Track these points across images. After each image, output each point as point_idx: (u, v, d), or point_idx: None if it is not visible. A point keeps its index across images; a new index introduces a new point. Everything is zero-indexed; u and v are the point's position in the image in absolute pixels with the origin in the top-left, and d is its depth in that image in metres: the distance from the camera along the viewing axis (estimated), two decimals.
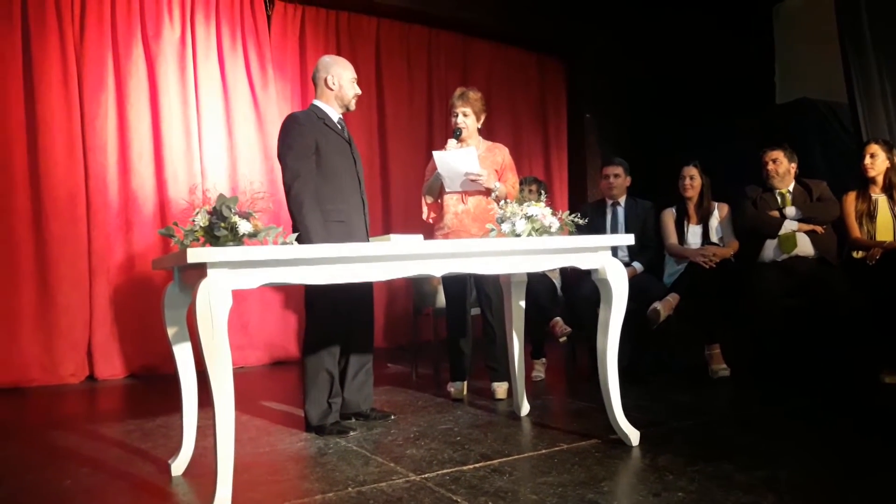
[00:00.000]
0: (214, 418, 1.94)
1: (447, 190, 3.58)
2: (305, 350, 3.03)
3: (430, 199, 3.72)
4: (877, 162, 3.82)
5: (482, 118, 3.66)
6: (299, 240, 2.65)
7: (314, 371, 2.97)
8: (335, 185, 3.02)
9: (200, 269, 1.93)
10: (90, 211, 4.74)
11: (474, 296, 3.80)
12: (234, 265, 1.93)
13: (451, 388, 3.64)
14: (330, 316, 2.98)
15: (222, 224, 1.98)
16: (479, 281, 3.60)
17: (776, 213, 3.96)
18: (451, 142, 3.51)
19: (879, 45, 4.67)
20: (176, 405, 2.48)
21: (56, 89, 4.63)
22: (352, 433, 2.88)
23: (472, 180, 3.46)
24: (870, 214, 3.83)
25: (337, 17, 5.80)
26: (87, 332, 4.71)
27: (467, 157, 3.43)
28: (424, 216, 3.76)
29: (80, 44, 4.73)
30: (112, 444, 2.92)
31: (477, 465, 2.37)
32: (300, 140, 2.95)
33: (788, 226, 3.89)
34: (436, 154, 3.49)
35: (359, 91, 3.18)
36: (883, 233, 3.79)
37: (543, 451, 2.54)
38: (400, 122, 6.08)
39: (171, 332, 2.38)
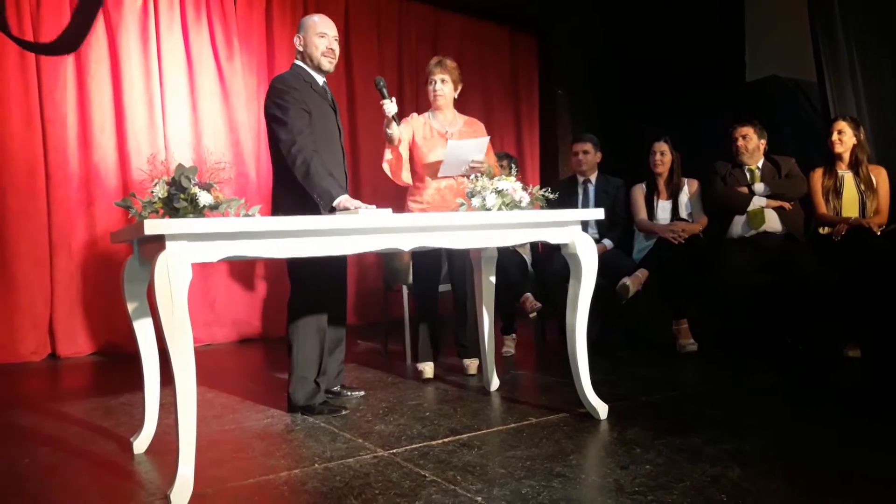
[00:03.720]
0: (175, 395, 1.89)
1: (441, 174, 3.38)
2: (291, 328, 2.83)
3: (390, 152, 3.42)
4: (844, 138, 3.85)
5: (458, 88, 3.53)
6: (322, 195, 2.55)
7: (302, 350, 2.80)
8: (324, 156, 2.77)
9: (159, 242, 1.86)
10: (50, 185, 4.61)
11: (443, 272, 3.75)
12: (194, 237, 1.87)
13: (423, 367, 3.51)
14: (317, 291, 2.82)
15: (182, 195, 1.92)
16: (451, 256, 3.54)
17: (745, 190, 3.98)
18: (389, 103, 3.14)
19: (848, 24, 4.69)
20: (140, 382, 2.41)
21: (12, 59, 4.46)
22: (344, 412, 2.79)
23: (474, 167, 3.23)
24: (836, 191, 3.87)
25: None
26: (48, 309, 4.60)
27: (480, 146, 3.26)
28: (388, 167, 3.47)
29: (37, 11, 4.55)
30: (73, 423, 2.85)
31: (446, 440, 2.36)
32: (295, 103, 2.72)
33: (757, 202, 3.92)
34: (451, 143, 3.27)
35: (332, 46, 2.91)
36: (849, 209, 3.83)
37: (512, 425, 2.54)
38: (370, 95, 5.96)
39: (131, 307, 2.31)
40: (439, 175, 3.38)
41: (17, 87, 4.48)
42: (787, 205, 3.90)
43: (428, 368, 3.51)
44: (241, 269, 5.26)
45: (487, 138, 3.34)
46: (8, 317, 4.44)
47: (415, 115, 3.50)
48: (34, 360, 4.48)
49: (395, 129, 3.24)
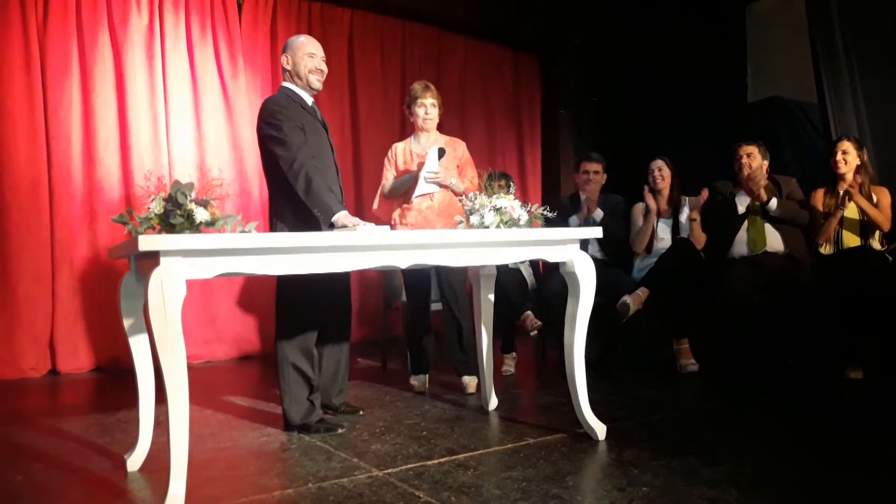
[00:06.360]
0: (168, 412, 1.88)
1: (417, 194, 3.49)
2: (278, 347, 2.82)
3: (385, 197, 3.68)
4: (848, 158, 3.83)
5: (442, 110, 3.66)
6: (323, 211, 2.57)
7: (290, 369, 2.79)
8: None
9: (154, 258, 1.86)
10: (53, 201, 4.62)
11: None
12: (188, 253, 1.86)
13: (415, 381, 3.61)
14: (304, 308, 2.81)
15: (178, 211, 1.92)
16: (442, 274, 3.53)
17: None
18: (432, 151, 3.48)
19: (850, 46, 4.71)
20: (137, 399, 2.40)
21: (18, 75, 4.49)
22: (340, 430, 2.77)
23: (429, 180, 3.42)
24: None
25: (309, 8, 5.70)
26: (49, 324, 4.59)
27: (431, 156, 3.42)
28: (375, 207, 3.73)
29: (44, 28, 4.59)
30: (69, 439, 2.84)
31: (441, 460, 2.34)
32: (289, 120, 2.74)
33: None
34: (429, 156, 3.45)
35: (320, 66, 2.93)
36: (850, 229, 3.81)
37: (509, 445, 2.51)
38: (373, 115, 6.01)
39: (127, 323, 2.32)
40: (417, 195, 3.49)
41: (22, 103, 4.50)
42: (762, 195, 3.85)
43: (418, 382, 3.59)
44: (243, 286, 5.26)
45: (435, 148, 3.44)
46: (8, 332, 4.43)
47: (396, 146, 3.66)
48: (34, 375, 4.46)
49: (406, 185, 3.56)
